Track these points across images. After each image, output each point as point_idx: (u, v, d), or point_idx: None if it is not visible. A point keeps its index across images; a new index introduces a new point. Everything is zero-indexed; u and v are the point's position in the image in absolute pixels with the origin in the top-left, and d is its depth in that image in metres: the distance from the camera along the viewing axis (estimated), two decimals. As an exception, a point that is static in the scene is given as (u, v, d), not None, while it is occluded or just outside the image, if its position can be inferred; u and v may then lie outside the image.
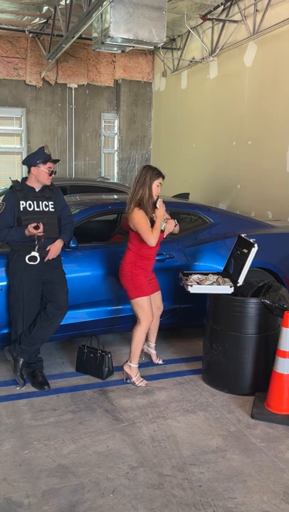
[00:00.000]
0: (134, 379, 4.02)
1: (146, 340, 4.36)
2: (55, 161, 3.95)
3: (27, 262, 3.82)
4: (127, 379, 4.07)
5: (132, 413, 3.60)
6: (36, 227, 3.78)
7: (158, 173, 3.91)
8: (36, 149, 3.96)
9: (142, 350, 4.32)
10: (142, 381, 4.04)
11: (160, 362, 4.39)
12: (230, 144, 8.59)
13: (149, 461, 3.03)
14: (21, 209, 3.84)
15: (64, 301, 3.97)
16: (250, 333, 3.79)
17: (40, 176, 3.89)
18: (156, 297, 4.19)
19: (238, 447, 3.20)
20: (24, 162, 4.03)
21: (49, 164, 3.88)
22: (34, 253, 3.82)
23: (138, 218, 3.84)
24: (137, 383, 4.01)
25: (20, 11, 8.64)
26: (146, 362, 4.41)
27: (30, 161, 3.91)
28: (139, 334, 3.98)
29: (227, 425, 3.46)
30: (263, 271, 4.83)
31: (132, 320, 4.47)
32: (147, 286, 4.00)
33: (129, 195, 3.96)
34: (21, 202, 3.85)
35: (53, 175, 3.95)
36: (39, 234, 3.79)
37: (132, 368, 4.04)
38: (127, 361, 4.09)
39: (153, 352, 4.40)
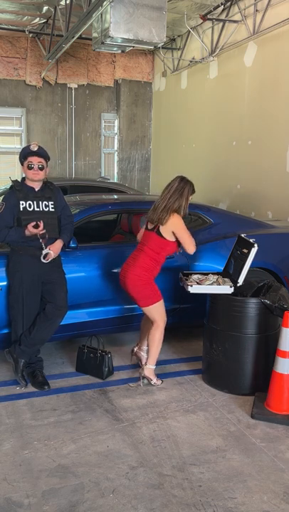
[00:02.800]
0: (155, 380, 4.03)
1: (138, 344, 4.29)
2: (40, 155, 3.82)
3: (42, 260, 3.82)
4: (142, 381, 4.03)
5: (132, 413, 3.60)
6: (36, 226, 3.76)
7: (194, 189, 3.98)
8: None
9: (132, 351, 4.29)
10: (158, 379, 4.06)
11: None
12: (230, 144, 8.59)
13: (149, 461, 3.04)
14: (21, 209, 3.83)
15: (63, 301, 3.96)
16: (250, 333, 3.79)
17: (26, 173, 3.88)
18: None
19: (238, 447, 3.20)
20: None
21: (29, 159, 3.81)
22: (46, 250, 3.82)
23: (180, 223, 3.84)
24: (158, 383, 4.02)
25: (21, 11, 8.64)
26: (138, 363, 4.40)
27: (19, 157, 3.93)
28: (158, 336, 3.96)
29: (227, 425, 3.46)
30: (263, 271, 4.82)
31: (132, 320, 4.48)
32: (158, 290, 3.98)
33: (161, 203, 3.87)
34: (21, 202, 3.84)
35: (37, 169, 3.82)
36: (41, 232, 3.78)
37: (152, 370, 4.03)
38: (143, 365, 4.06)
39: (144, 356, 4.25)
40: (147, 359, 4.03)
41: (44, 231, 3.79)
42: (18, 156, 4.05)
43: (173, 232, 3.86)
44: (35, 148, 3.83)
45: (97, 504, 2.65)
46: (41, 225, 3.77)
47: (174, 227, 3.83)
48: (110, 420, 3.50)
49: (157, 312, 3.93)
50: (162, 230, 3.85)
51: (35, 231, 3.76)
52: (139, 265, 3.88)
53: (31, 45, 10.34)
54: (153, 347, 3.98)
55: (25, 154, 3.84)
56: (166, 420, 3.51)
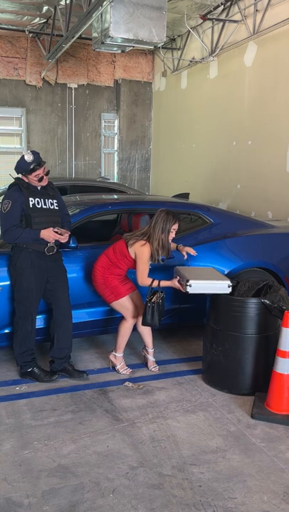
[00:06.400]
0: (118, 367, 4.23)
1: (144, 347, 4.38)
2: (41, 163, 3.84)
3: (46, 253, 3.88)
4: (112, 367, 4.28)
5: (132, 413, 3.60)
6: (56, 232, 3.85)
7: (175, 220, 4.01)
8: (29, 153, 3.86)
9: (116, 357, 4.33)
10: (126, 369, 4.23)
11: (154, 370, 4.31)
12: (230, 143, 8.59)
13: (149, 461, 3.03)
14: (31, 206, 3.84)
15: (67, 303, 4.06)
16: (250, 333, 3.79)
17: (32, 182, 3.90)
18: (135, 297, 4.22)
19: (238, 447, 3.20)
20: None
21: (35, 173, 3.83)
22: (51, 244, 3.89)
23: (142, 253, 3.94)
24: (121, 371, 4.23)
25: (20, 11, 8.64)
26: (143, 363, 4.41)
27: (17, 171, 3.92)
28: (124, 328, 4.20)
29: (227, 425, 3.46)
30: (263, 271, 4.83)
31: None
32: (122, 287, 4.12)
33: (144, 229, 4.03)
34: (30, 199, 3.85)
35: (45, 176, 3.89)
36: (63, 241, 3.87)
37: (117, 357, 4.26)
38: (112, 351, 4.28)
39: (151, 359, 4.35)
40: (114, 348, 4.28)
41: (65, 240, 3.89)
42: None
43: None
44: (31, 159, 3.79)
45: (97, 504, 2.65)
46: (66, 234, 3.87)
47: (136, 251, 3.98)
48: (110, 420, 3.50)
49: (121, 308, 4.16)
50: (130, 248, 4.00)
51: (58, 237, 3.83)
52: (96, 262, 4.15)
53: (31, 45, 10.34)
54: (119, 337, 4.22)
55: (31, 170, 3.82)
56: (166, 420, 3.51)
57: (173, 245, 4.27)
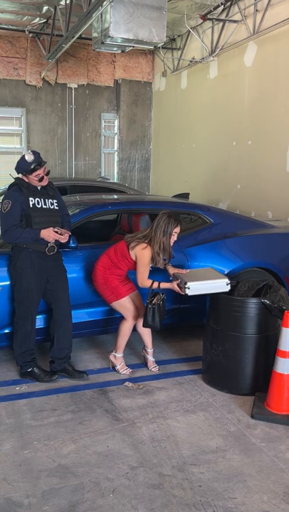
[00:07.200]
0: (118, 367, 4.25)
1: (144, 347, 4.39)
2: (42, 164, 3.84)
3: (46, 253, 3.88)
4: (112, 367, 4.29)
5: (132, 413, 3.60)
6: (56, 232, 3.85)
7: (177, 223, 4.00)
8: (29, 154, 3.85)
9: (114, 357, 4.34)
10: (126, 369, 4.24)
11: (154, 370, 4.31)
12: (230, 143, 8.59)
13: (149, 461, 3.03)
14: (31, 205, 3.85)
15: (67, 304, 4.06)
16: (250, 333, 3.79)
17: (32, 182, 3.90)
18: (135, 297, 4.22)
19: (238, 447, 3.20)
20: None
21: (35, 173, 3.82)
22: (52, 244, 3.88)
23: (143, 256, 3.95)
24: (121, 371, 4.23)
25: (20, 11, 8.64)
26: (143, 363, 4.41)
27: (17, 171, 3.92)
28: (124, 329, 4.20)
29: (227, 425, 3.46)
30: (263, 271, 4.82)
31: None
32: (122, 287, 4.12)
33: (145, 231, 4.03)
34: (30, 198, 3.86)
35: (45, 176, 3.89)
36: (63, 241, 3.87)
37: (117, 358, 4.27)
38: (112, 351, 4.29)
39: (150, 359, 4.35)
40: (114, 348, 4.28)
41: (65, 240, 3.89)
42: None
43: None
44: (32, 159, 3.79)
45: (97, 504, 2.65)
46: (66, 235, 3.87)
47: (137, 254, 3.98)
48: (110, 420, 3.50)
49: (121, 308, 4.16)
50: (132, 251, 4.01)
51: (58, 237, 3.83)
52: (97, 262, 4.15)
53: (31, 45, 10.34)
54: (119, 337, 4.22)
55: (31, 170, 3.82)
56: (166, 420, 3.51)
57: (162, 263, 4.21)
